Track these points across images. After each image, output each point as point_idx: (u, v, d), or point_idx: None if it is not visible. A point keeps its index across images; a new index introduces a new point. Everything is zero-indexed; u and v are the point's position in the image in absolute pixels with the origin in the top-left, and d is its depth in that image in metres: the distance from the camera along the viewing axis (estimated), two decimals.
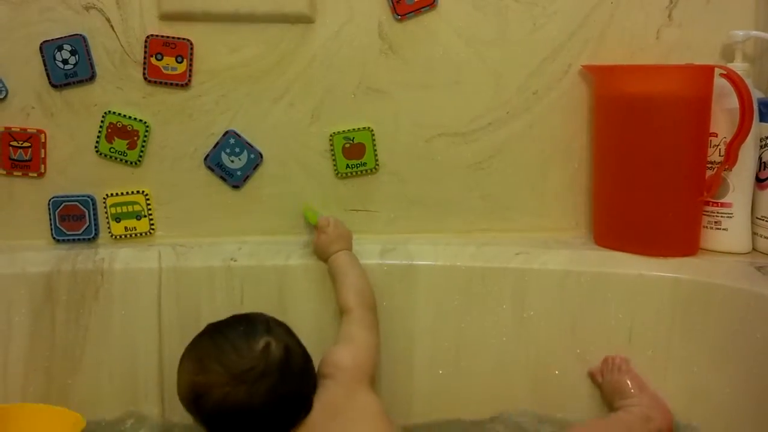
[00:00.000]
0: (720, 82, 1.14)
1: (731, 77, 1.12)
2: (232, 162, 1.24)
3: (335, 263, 1.14)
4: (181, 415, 1.15)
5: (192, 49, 1.20)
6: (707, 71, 1.14)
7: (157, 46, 1.20)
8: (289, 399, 0.95)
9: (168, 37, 1.19)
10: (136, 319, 1.15)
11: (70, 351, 1.15)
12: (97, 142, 1.22)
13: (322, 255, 1.17)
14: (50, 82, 1.20)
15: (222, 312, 1.14)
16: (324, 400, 0.98)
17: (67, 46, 1.19)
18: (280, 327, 0.99)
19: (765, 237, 1.17)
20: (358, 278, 1.12)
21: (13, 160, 1.21)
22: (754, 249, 1.19)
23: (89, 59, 1.19)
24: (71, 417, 1.04)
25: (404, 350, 1.14)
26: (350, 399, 0.99)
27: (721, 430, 1.05)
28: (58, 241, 1.23)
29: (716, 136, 1.17)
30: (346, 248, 1.17)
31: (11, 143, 1.21)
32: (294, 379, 0.96)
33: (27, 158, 1.21)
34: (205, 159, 1.23)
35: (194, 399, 0.94)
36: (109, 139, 1.22)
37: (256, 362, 0.93)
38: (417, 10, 1.21)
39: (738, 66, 1.17)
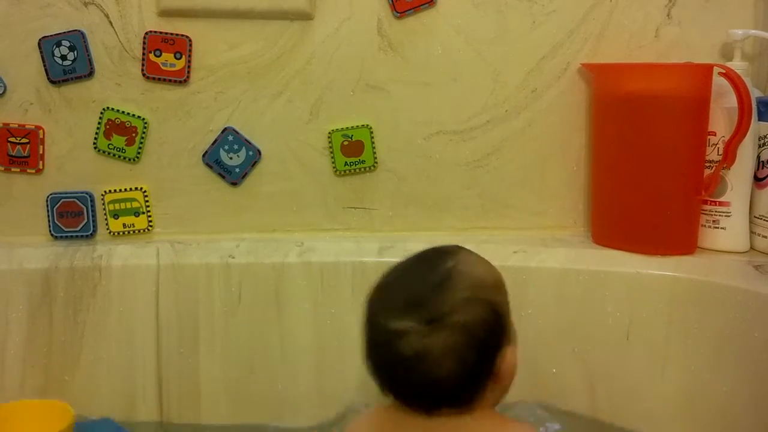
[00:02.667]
0: (719, 81, 1.14)
1: (730, 76, 1.12)
2: (231, 159, 1.24)
3: None
4: (178, 412, 1.16)
5: (191, 45, 1.20)
6: (706, 70, 1.13)
7: (155, 43, 1.19)
8: (389, 381, 0.81)
9: (167, 33, 1.19)
10: (134, 316, 1.15)
11: (67, 348, 1.14)
12: (95, 138, 1.22)
13: None
14: (49, 78, 1.19)
15: (220, 309, 1.16)
16: None
17: (65, 42, 1.18)
18: (450, 329, 0.77)
19: (763, 236, 1.17)
20: None
21: (12, 156, 1.21)
22: (752, 248, 1.19)
23: (88, 55, 1.19)
24: (59, 407, 1.04)
25: None
26: None
27: (718, 429, 1.05)
28: (56, 237, 1.22)
29: (715, 135, 1.17)
30: None
31: (9, 139, 1.20)
32: (404, 376, 0.79)
33: (25, 154, 1.21)
34: (204, 156, 1.23)
35: None
36: (108, 135, 1.21)
37: (381, 336, 0.79)
38: (416, 8, 1.21)
39: (737, 65, 1.17)
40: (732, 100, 1.13)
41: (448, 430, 0.81)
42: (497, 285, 0.85)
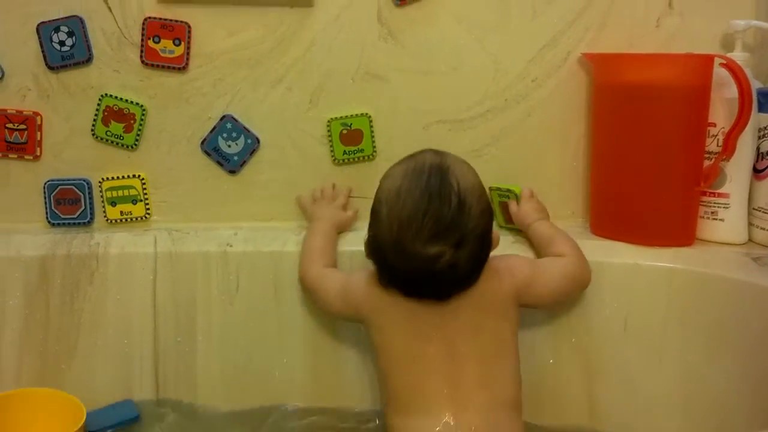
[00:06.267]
0: (719, 72, 1.13)
1: (731, 67, 1.11)
2: (229, 147, 1.23)
3: (541, 230, 1.14)
4: (175, 401, 1.16)
5: (190, 32, 1.19)
6: (707, 60, 1.13)
7: (154, 29, 1.19)
8: (419, 288, 0.98)
9: (166, 19, 1.19)
10: (131, 304, 1.15)
11: (64, 335, 1.14)
12: (93, 125, 1.21)
13: (524, 222, 1.16)
14: (47, 64, 1.19)
15: (217, 298, 1.15)
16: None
17: (64, 28, 1.18)
18: (472, 242, 0.95)
19: (761, 228, 1.17)
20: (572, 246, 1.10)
21: (9, 142, 1.20)
22: (750, 240, 1.18)
23: (86, 41, 1.19)
24: (73, 405, 1.03)
25: None
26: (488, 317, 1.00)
27: (715, 420, 1.05)
28: (53, 224, 1.22)
29: (714, 126, 1.16)
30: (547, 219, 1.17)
31: (7, 125, 1.20)
32: (438, 283, 0.96)
33: (23, 141, 1.20)
34: (202, 143, 1.23)
35: (372, 209, 1.01)
36: (106, 122, 1.21)
37: (416, 260, 0.94)
38: None
39: (738, 56, 1.17)
40: (732, 91, 1.13)
41: (460, 305, 0.99)
42: (480, 181, 1.01)
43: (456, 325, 0.99)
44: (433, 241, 0.93)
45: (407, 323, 1.00)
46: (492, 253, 1.01)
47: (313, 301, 1.12)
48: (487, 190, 1.12)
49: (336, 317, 1.12)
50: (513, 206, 1.16)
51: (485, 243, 0.99)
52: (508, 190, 1.18)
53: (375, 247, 0.99)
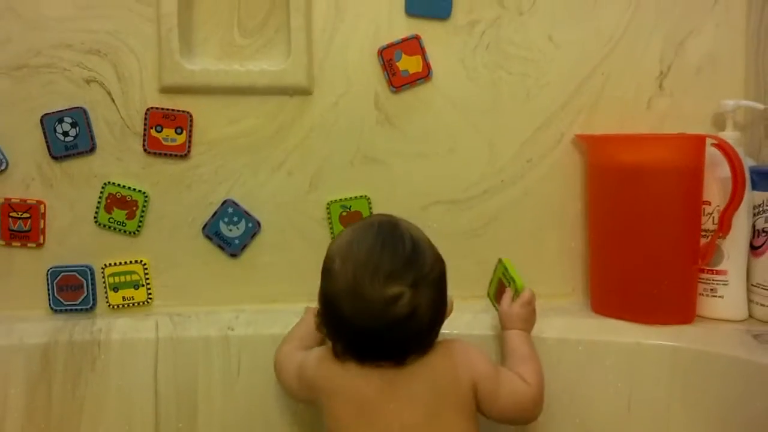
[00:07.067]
0: (712, 151, 1.15)
1: (722, 147, 1.13)
2: (231, 231, 1.25)
3: (517, 342, 1.06)
4: None
5: (191, 120, 1.22)
6: (698, 141, 1.15)
7: (157, 119, 1.21)
8: (378, 343, 0.94)
9: (168, 109, 1.22)
10: (133, 390, 1.15)
11: (66, 423, 1.14)
12: (96, 212, 1.23)
13: (506, 324, 1.08)
14: (50, 154, 1.21)
15: (219, 382, 1.15)
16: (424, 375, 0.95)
17: (67, 119, 1.20)
18: (429, 285, 0.93)
19: (761, 304, 1.17)
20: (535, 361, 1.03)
21: (13, 230, 1.22)
22: (750, 316, 1.19)
23: (89, 131, 1.21)
24: None
25: None
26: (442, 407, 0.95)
27: None
28: (55, 311, 1.23)
29: (710, 204, 1.18)
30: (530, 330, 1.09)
31: (11, 214, 1.22)
32: (397, 334, 0.93)
33: (26, 229, 1.22)
34: (204, 228, 1.24)
35: (324, 269, 0.98)
36: (108, 209, 1.23)
37: (376, 303, 0.91)
38: (412, 83, 1.23)
39: (729, 135, 1.19)
40: (726, 170, 1.14)
41: (414, 371, 0.95)
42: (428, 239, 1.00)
43: (410, 416, 0.93)
44: (391, 280, 0.91)
45: (357, 411, 0.94)
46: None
47: (280, 383, 1.09)
48: (497, 261, 1.14)
49: (299, 401, 1.10)
50: (506, 300, 1.09)
51: (442, 294, 0.97)
52: (513, 279, 1.10)
53: (328, 306, 0.95)
